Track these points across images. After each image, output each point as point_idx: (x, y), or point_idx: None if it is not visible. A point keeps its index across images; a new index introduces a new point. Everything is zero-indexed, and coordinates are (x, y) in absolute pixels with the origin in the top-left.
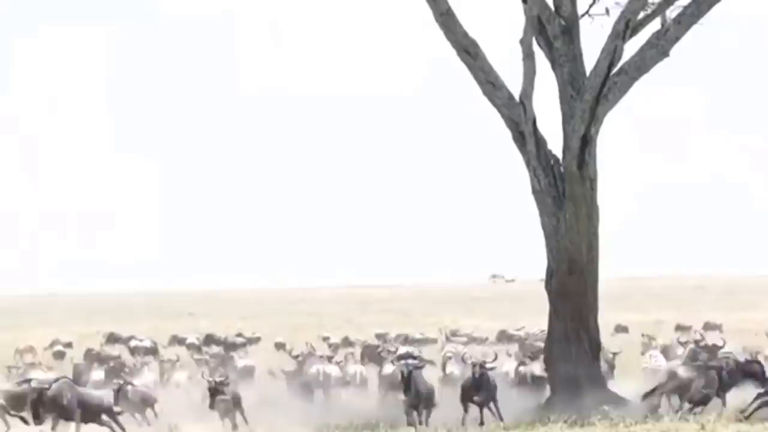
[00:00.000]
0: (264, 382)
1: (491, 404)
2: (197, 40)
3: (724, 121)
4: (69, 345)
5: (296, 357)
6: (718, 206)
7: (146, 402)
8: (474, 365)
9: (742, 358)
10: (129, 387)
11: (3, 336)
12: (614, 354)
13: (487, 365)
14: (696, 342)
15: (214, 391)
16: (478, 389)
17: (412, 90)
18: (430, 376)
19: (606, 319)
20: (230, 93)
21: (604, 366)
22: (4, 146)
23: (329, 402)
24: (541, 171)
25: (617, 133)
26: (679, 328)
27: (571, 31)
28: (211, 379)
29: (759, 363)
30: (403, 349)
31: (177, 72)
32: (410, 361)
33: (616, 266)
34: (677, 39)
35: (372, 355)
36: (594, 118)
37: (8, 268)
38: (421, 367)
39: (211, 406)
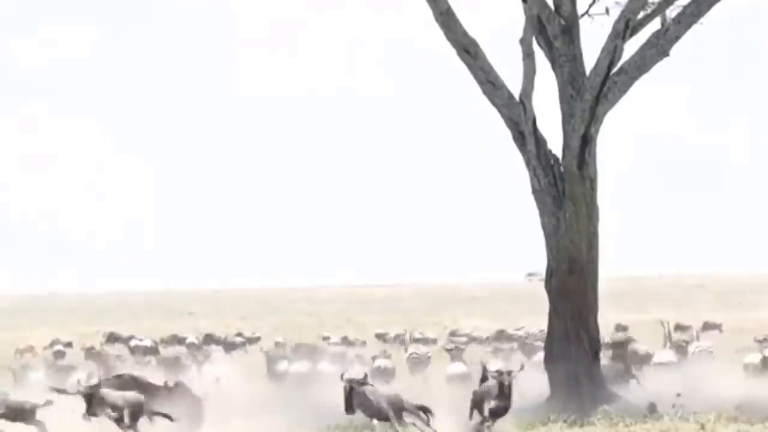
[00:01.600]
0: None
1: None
2: (196, 40)
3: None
4: (69, 345)
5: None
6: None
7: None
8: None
9: None
10: None
11: (3, 335)
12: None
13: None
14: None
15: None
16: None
17: (411, 90)
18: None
19: (606, 318)
20: (230, 93)
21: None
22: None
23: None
24: (541, 171)
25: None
26: (679, 327)
27: (571, 30)
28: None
29: None
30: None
31: (176, 72)
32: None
33: (616, 266)
34: (677, 38)
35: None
36: (594, 118)
37: (8, 268)
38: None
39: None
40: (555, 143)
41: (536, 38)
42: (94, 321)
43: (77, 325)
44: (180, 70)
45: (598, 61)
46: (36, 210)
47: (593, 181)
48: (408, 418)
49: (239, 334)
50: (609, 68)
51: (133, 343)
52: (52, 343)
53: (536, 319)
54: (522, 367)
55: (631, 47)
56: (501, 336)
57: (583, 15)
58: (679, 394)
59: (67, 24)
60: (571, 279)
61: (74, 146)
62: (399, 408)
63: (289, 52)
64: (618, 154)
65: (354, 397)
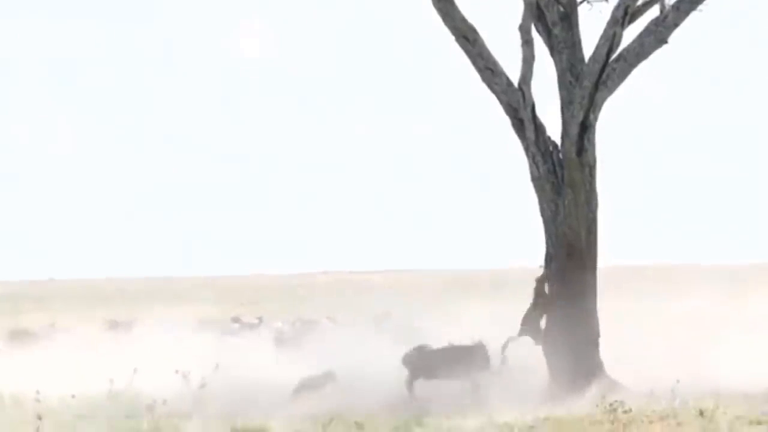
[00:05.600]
0: None
1: None
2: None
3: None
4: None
5: None
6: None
7: None
8: None
9: None
10: None
11: (2, 321)
12: None
13: None
14: None
15: None
16: None
17: (410, 75)
18: None
19: (605, 306)
20: (231, 88)
21: None
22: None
23: None
24: (540, 157)
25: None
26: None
27: (569, 17)
28: None
29: None
30: None
31: (173, 68)
32: None
33: (616, 253)
34: (676, 26)
35: None
36: (593, 105)
37: (7, 254)
38: None
39: None
40: (554, 130)
41: (535, 25)
42: (94, 307)
43: (76, 312)
44: (177, 66)
45: (597, 48)
46: (34, 197)
47: (592, 167)
48: None
49: (236, 319)
50: (608, 55)
51: (135, 330)
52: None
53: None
54: None
55: (630, 34)
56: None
57: (582, 2)
58: (678, 381)
59: (62, 18)
60: (570, 265)
61: (71, 135)
62: None
63: (288, 46)
64: (619, 140)
65: None
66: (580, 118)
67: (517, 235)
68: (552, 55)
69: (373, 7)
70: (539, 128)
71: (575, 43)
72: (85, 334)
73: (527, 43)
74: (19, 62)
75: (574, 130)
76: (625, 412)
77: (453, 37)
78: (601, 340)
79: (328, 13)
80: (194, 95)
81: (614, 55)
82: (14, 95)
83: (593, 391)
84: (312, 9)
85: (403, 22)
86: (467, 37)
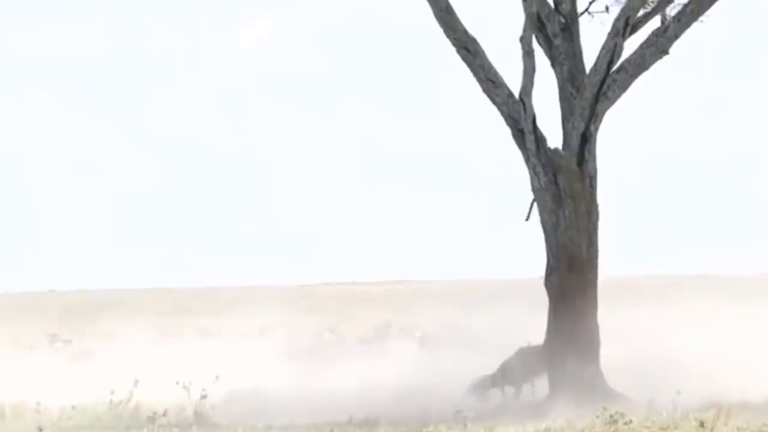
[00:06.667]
0: None
1: None
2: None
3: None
4: (69, 342)
5: None
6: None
7: None
8: None
9: None
10: None
11: (2, 333)
12: None
13: None
14: None
15: None
16: None
17: (410, 83)
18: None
19: (605, 317)
20: (231, 88)
21: None
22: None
23: None
24: (540, 168)
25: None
26: None
27: (570, 28)
28: None
29: None
30: None
31: (173, 68)
32: None
33: (616, 264)
34: (677, 37)
35: None
36: (594, 116)
37: (7, 264)
38: None
39: None
40: (555, 141)
41: (536, 36)
42: (94, 318)
43: (77, 323)
44: (174, 66)
45: (598, 59)
46: (33, 203)
47: (593, 178)
48: None
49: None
50: (609, 66)
51: (135, 340)
52: (53, 340)
53: (535, 317)
54: None
55: (631, 45)
56: None
57: (582, 13)
58: (679, 391)
59: (60, 17)
60: (571, 277)
61: (70, 137)
62: None
63: (289, 43)
64: (619, 151)
65: None
66: (581, 129)
67: (518, 246)
68: (553, 66)
69: (374, 8)
70: (540, 139)
71: (576, 55)
72: (86, 344)
73: (528, 54)
74: (19, 62)
75: (575, 141)
76: (625, 423)
77: (454, 49)
78: (602, 351)
79: (328, 12)
80: (194, 95)
81: (615, 67)
82: (14, 95)
83: (594, 402)
84: (312, 9)
85: (405, 22)
86: (468, 49)
